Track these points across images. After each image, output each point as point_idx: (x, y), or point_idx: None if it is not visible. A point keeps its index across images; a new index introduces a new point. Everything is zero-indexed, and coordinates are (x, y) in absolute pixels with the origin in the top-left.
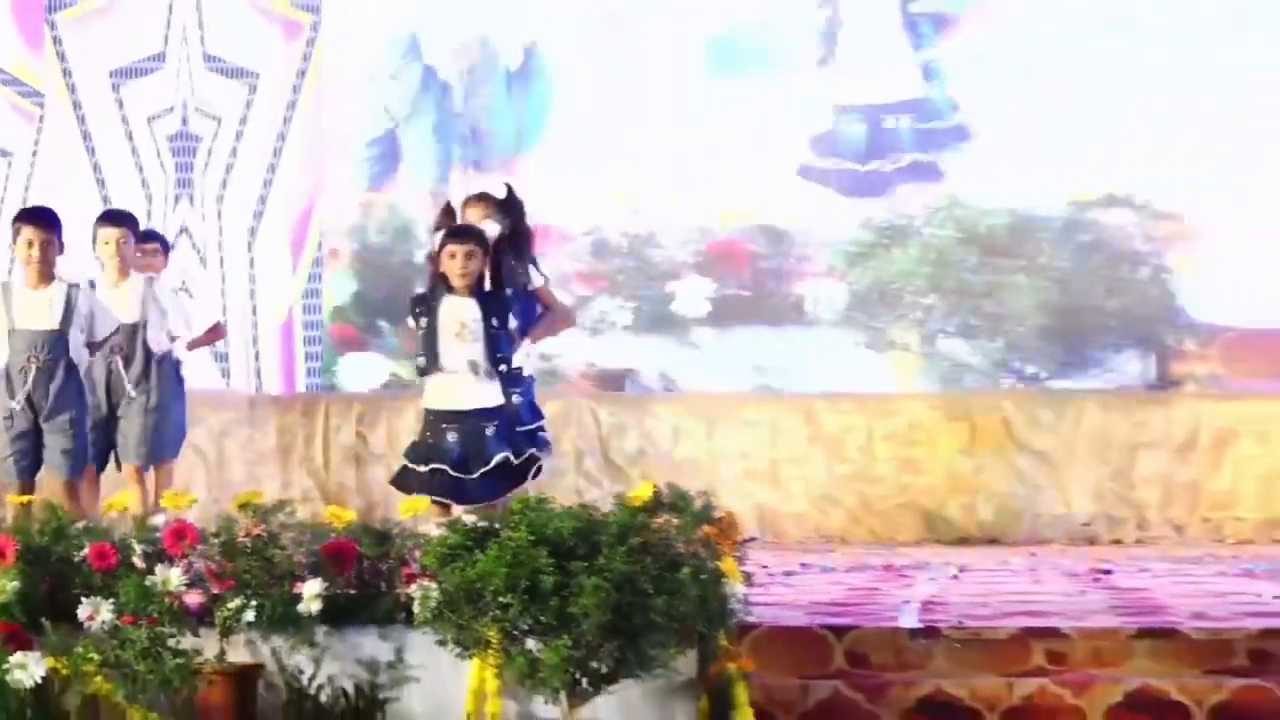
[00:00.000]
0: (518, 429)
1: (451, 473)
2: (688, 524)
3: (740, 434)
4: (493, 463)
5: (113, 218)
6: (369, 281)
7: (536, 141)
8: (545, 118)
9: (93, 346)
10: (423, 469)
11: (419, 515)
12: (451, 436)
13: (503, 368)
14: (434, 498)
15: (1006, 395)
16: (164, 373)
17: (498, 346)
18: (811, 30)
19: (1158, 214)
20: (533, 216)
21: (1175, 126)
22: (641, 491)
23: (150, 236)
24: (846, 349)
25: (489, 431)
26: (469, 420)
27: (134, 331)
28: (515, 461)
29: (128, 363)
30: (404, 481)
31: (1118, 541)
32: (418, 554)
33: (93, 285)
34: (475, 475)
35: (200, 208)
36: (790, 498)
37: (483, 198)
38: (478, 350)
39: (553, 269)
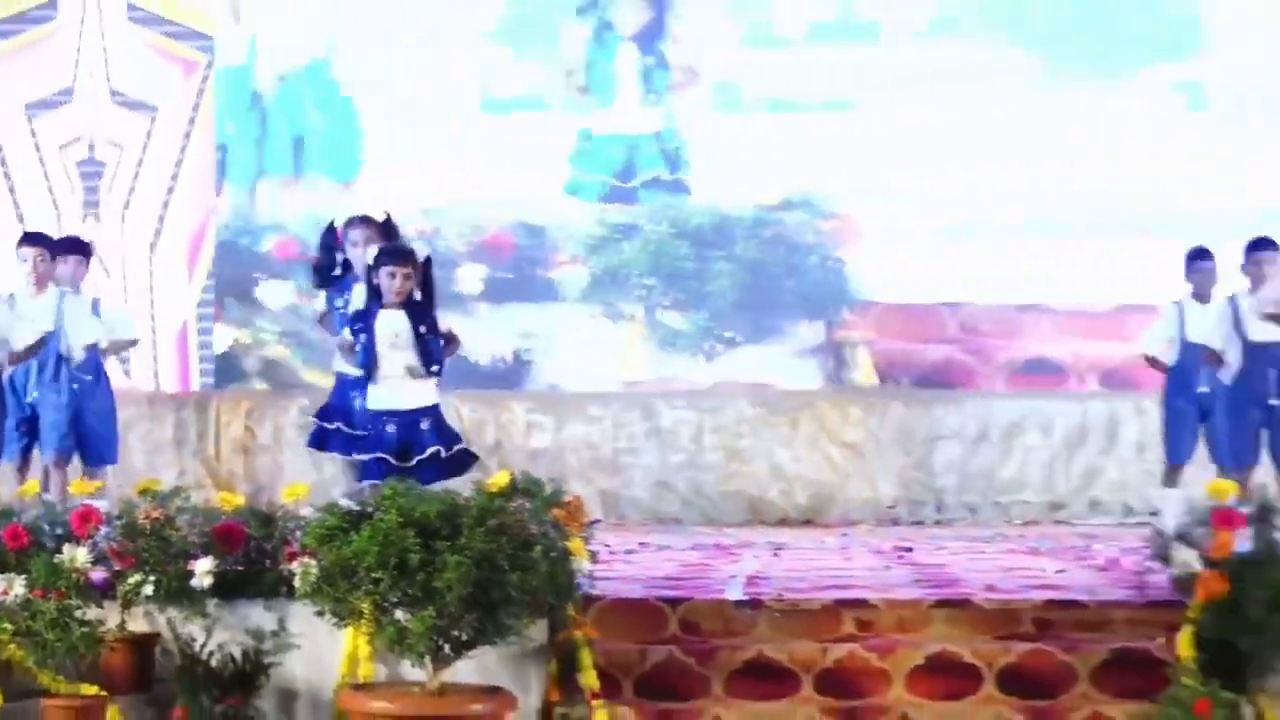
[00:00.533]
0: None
1: (392, 461)
2: (539, 508)
3: (586, 427)
4: (427, 452)
5: (28, 238)
6: (218, 266)
7: (352, 156)
8: (359, 139)
9: (12, 356)
10: (366, 458)
11: (300, 500)
12: (391, 429)
13: (434, 368)
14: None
15: (821, 394)
16: (76, 375)
17: (427, 350)
18: (569, 73)
19: (825, 214)
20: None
21: (838, 144)
22: (498, 479)
23: (73, 249)
24: (587, 319)
25: (424, 425)
26: (407, 416)
27: (48, 338)
28: (445, 454)
29: (41, 366)
30: (362, 473)
31: (919, 523)
32: (299, 534)
33: (12, 298)
34: (412, 464)
35: (105, 224)
36: (630, 484)
37: (366, 220)
38: (411, 356)
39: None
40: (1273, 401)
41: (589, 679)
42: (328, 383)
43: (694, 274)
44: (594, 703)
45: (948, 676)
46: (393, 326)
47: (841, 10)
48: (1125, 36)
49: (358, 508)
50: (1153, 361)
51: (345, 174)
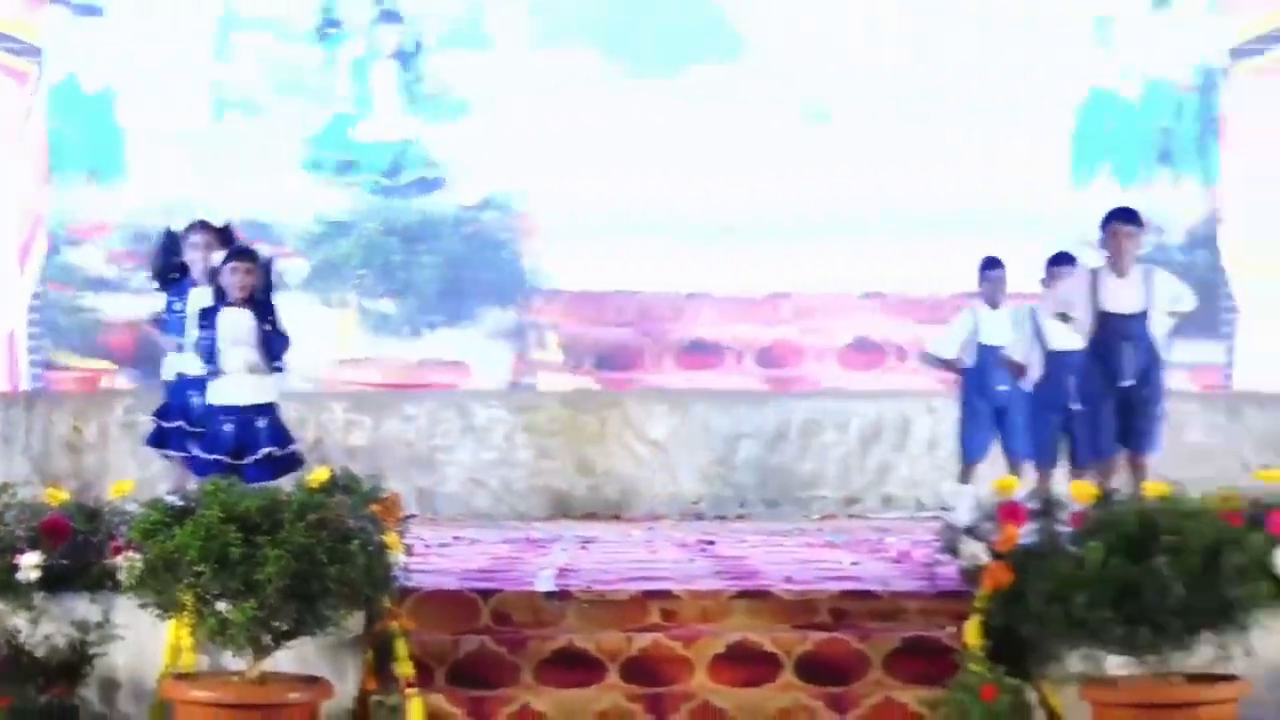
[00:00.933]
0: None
1: (227, 460)
2: (357, 503)
3: (402, 426)
4: (260, 453)
5: None
6: None
7: (104, 160)
8: (112, 144)
9: None
10: (205, 456)
11: (126, 496)
12: (228, 428)
13: (276, 364)
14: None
15: (630, 394)
16: None
17: (270, 347)
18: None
19: (515, 212)
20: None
21: (522, 151)
22: (318, 475)
23: None
24: (306, 306)
25: (260, 424)
26: (244, 414)
27: None
28: (279, 453)
29: None
30: (196, 466)
31: (721, 517)
32: (124, 529)
33: None
34: (247, 462)
35: None
36: (445, 480)
37: (205, 225)
38: (253, 352)
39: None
40: (1073, 406)
41: (404, 668)
42: (75, 363)
43: (402, 266)
44: (408, 691)
45: (748, 664)
46: (236, 323)
47: (469, 20)
48: (677, 40)
49: (181, 503)
50: (946, 364)
51: (98, 175)
